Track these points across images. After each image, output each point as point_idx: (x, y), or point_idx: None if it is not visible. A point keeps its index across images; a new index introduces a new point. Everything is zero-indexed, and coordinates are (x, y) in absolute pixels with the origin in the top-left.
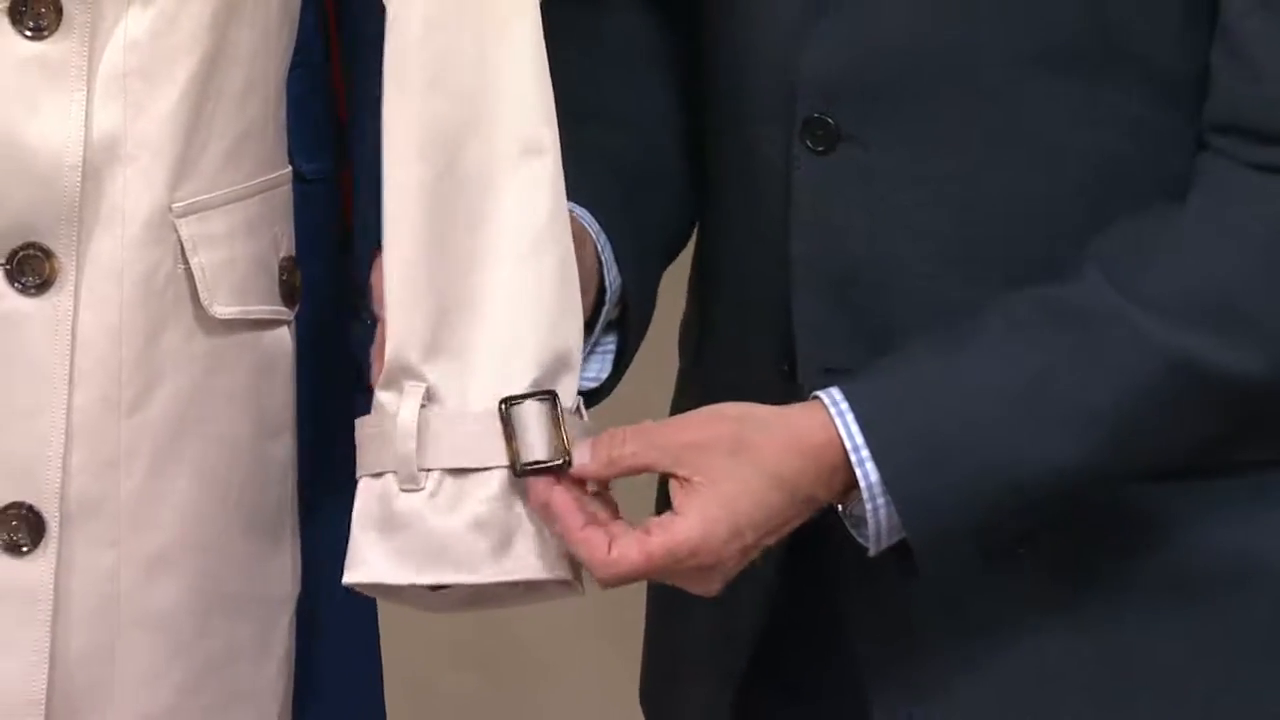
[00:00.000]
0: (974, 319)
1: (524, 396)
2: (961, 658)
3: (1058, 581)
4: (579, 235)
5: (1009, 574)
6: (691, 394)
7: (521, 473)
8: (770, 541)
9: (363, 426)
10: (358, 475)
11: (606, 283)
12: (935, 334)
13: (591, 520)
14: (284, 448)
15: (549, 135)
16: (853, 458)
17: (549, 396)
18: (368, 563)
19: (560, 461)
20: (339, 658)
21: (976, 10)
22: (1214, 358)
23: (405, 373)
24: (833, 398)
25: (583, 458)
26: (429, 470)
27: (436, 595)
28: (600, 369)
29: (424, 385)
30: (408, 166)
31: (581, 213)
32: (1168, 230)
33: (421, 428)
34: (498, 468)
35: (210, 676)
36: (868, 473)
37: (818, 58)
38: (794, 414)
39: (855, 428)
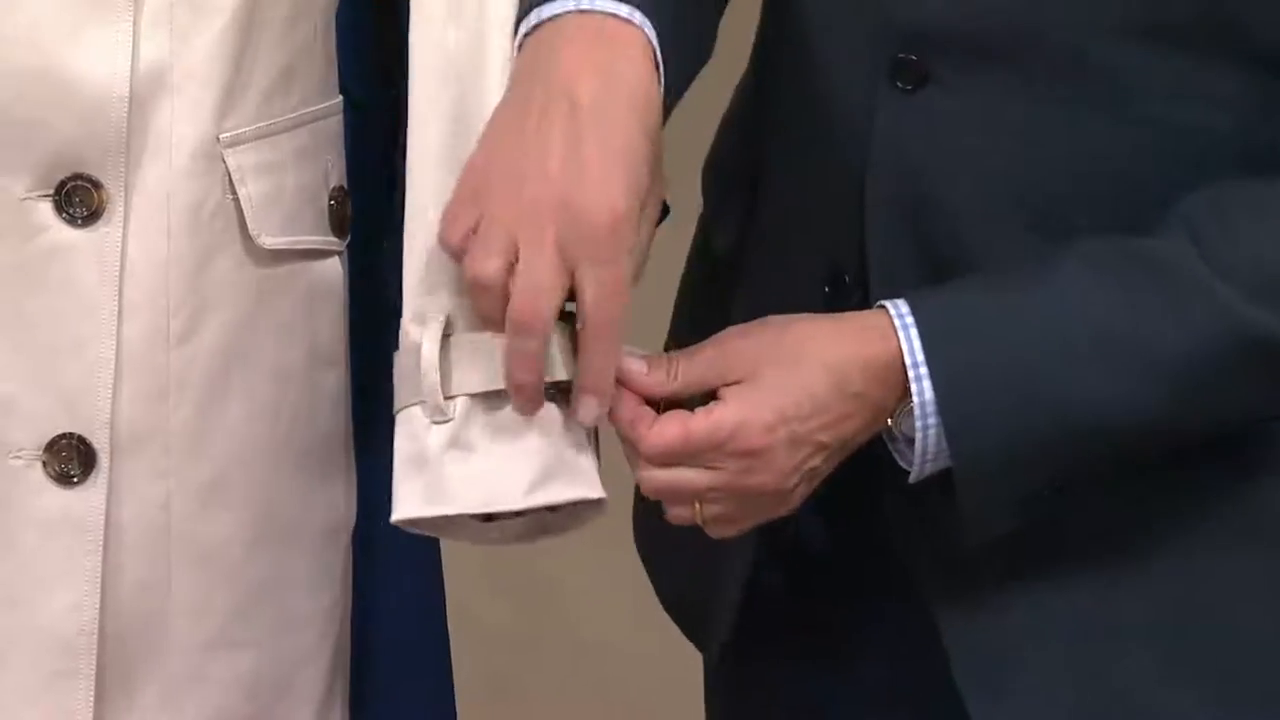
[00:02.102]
0: (1052, 256)
1: None
2: (1022, 601)
3: (1126, 526)
4: (640, 43)
5: (1075, 516)
6: (729, 288)
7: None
8: (826, 439)
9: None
10: (395, 410)
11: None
12: (1012, 265)
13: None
14: (336, 378)
15: None
16: (910, 373)
17: (567, 317)
18: (403, 500)
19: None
20: (398, 585)
21: None
22: None
23: (429, 304)
24: (899, 309)
25: (641, 372)
26: (454, 398)
27: (492, 527)
28: None
29: (444, 315)
30: (430, 96)
31: (642, 20)
32: (1258, 202)
33: (444, 355)
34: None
35: (263, 604)
36: (923, 389)
37: (905, 9)
38: (857, 316)
39: (918, 343)
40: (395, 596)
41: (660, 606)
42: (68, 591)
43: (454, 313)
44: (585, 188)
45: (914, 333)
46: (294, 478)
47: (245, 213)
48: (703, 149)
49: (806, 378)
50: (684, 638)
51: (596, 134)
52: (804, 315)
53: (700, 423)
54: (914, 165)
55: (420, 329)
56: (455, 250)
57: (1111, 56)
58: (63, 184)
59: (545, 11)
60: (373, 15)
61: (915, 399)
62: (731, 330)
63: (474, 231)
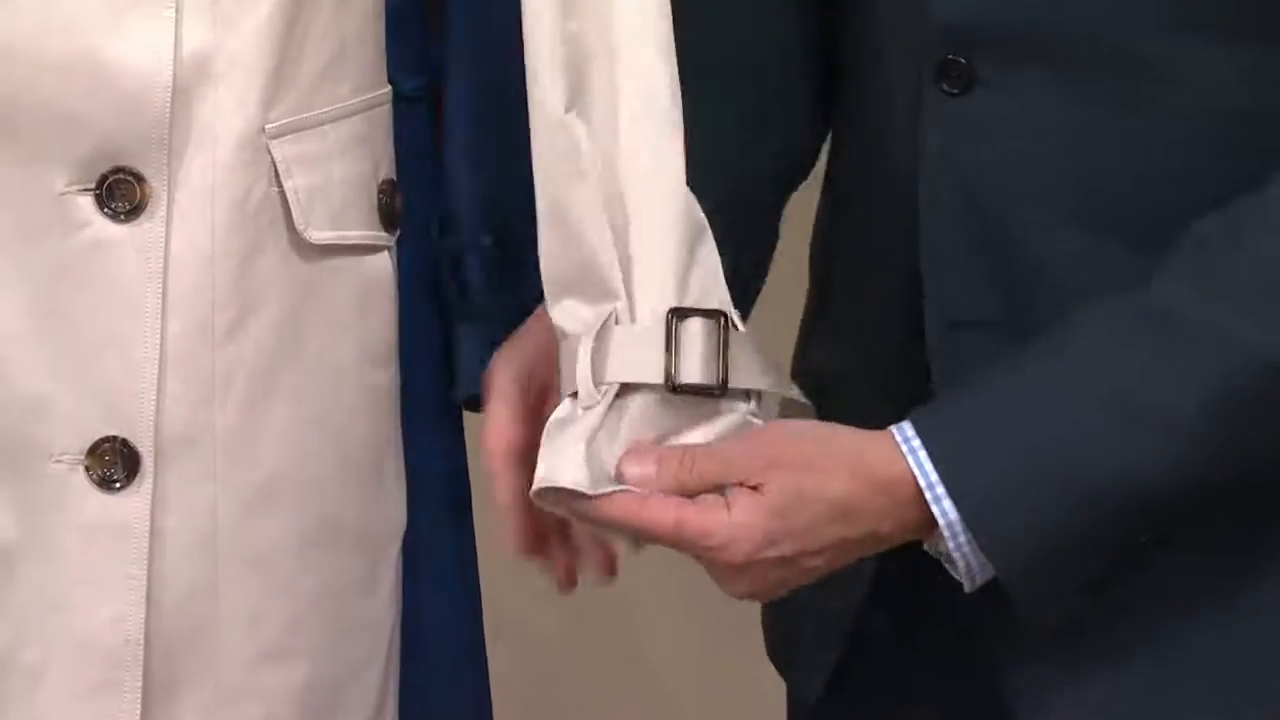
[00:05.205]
0: (1046, 335)
1: (690, 311)
2: (1098, 639)
3: (1209, 563)
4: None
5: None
6: (820, 330)
7: (675, 390)
8: (820, 563)
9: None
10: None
11: None
12: (1011, 358)
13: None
14: (387, 377)
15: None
16: (928, 495)
17: (717, 315)
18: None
19: (715, 386)
20: (437, 591)
21: None
22: None
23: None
24: (904, 433)
25: (647, 471)
26: (603, 384)
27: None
28: None
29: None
30: (553, 89)
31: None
32: (1258, 214)
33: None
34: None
35: (316, 612)
36: (945, 510)
37: (953, 6)
38: (866, 444)
39: (929, 465)
40: (434, 602)
41: (709, 616)
42: (112, 601)
43: (617, 306)
44: None
45: (922, 455)
46: (345, 481)
47: (291, 206)
48: None
49: (817, 514)
50: (733, 647)
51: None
52: (828, 438)
53: (693, 521)
54: (964, 172)
55: (581, 318)
56: None
57: (1156, 47)
58: (104, 178)
59: None
60: (419, 3)
61: (940, 519)
62: (760, 437)
63: None
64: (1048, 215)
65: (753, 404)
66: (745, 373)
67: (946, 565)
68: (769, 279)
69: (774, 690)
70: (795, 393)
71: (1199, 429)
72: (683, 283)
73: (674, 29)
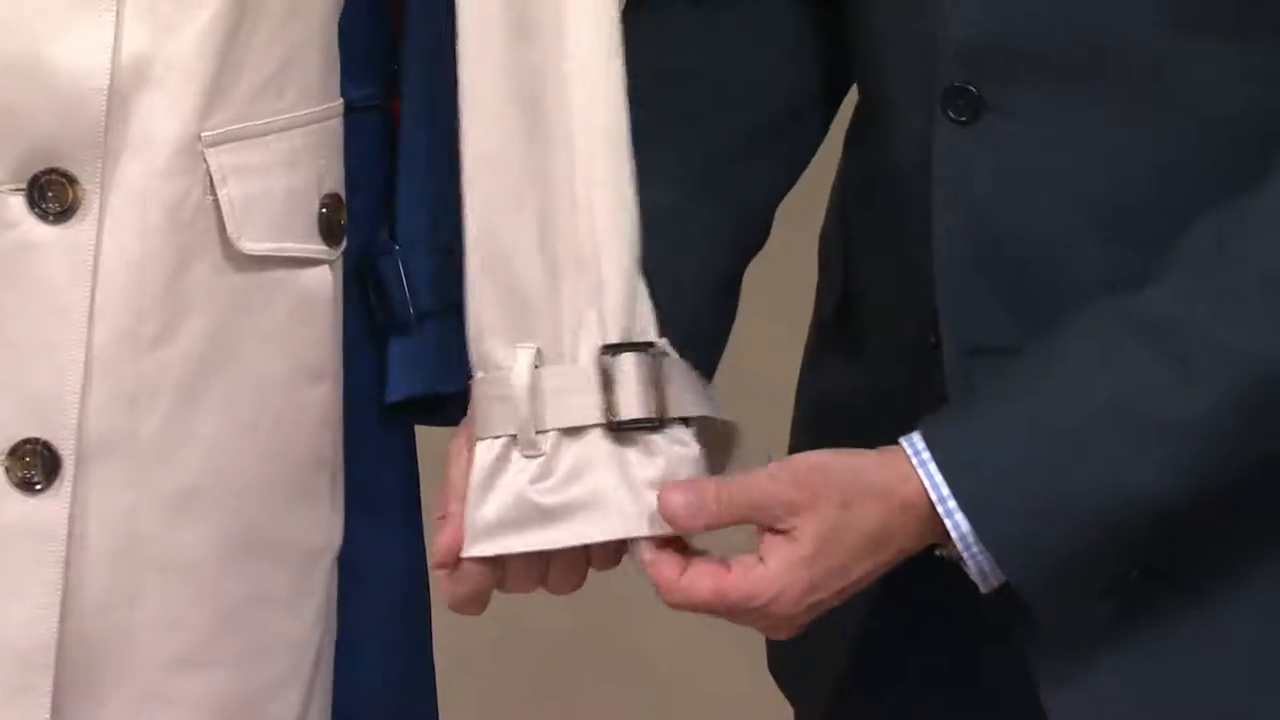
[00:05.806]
0: (1052, 342)
1: (622, 346)
2: (1126, 638)
3: (1239, 560)
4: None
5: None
6: (836, 354)
7: (616, 429)
8: (854, 590)
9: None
10: (482, 437)
11: None
12: (1015, 369)
13: (668, 542)
14: (324, 393)
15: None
16: (940, 508)
17: (647, 347)
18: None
19: (656, 420)
20: (377, 611)
21: None
22: None
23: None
24: (914, 446)
25: (674, 504)
26: (546, 432)
27: None
28: None
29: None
30: (501, 119)
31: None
32: (1254, 223)
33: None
34: (596, 425)
35: (236, 624)
36: (958, 523)
37: (960, 26)
38: (881, 464)
39: (939, 477)
40: (374, 624)
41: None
42: (26, 604)
43: (545, 344)
44: None
45: (932, 467)
46: (274, 494)
47: (225, 215)
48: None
49: (853, 554)
50: (746, 649)
51: None
52: (846, 466)
53: (736, 587)
54: (974, 199)
55: (510, 354)
56: None
57: (1161, 51)
58: (36, 178)
59: None
60: (375, 11)
61: (953, 532)
62: (781, 470)
63: None
64: (1060, 235)
65: (692, 430)
66: (682, 402)
67: (964, 569)
68: (769, 286)
69: (776, 691)
70: (725, 414)
71: (1205, 436)
72: (615, 318)
73: (664, 68)
